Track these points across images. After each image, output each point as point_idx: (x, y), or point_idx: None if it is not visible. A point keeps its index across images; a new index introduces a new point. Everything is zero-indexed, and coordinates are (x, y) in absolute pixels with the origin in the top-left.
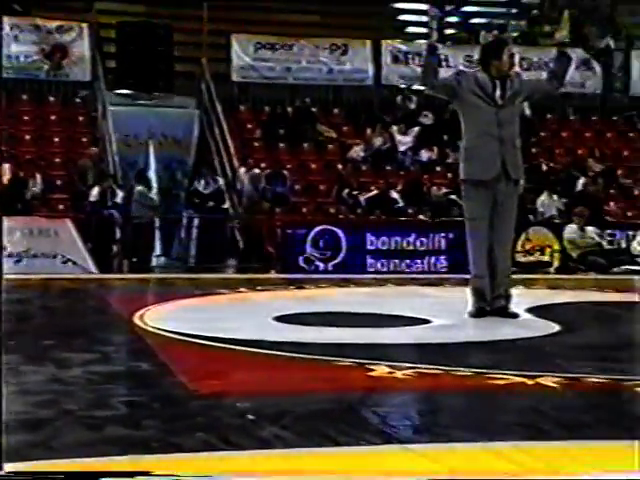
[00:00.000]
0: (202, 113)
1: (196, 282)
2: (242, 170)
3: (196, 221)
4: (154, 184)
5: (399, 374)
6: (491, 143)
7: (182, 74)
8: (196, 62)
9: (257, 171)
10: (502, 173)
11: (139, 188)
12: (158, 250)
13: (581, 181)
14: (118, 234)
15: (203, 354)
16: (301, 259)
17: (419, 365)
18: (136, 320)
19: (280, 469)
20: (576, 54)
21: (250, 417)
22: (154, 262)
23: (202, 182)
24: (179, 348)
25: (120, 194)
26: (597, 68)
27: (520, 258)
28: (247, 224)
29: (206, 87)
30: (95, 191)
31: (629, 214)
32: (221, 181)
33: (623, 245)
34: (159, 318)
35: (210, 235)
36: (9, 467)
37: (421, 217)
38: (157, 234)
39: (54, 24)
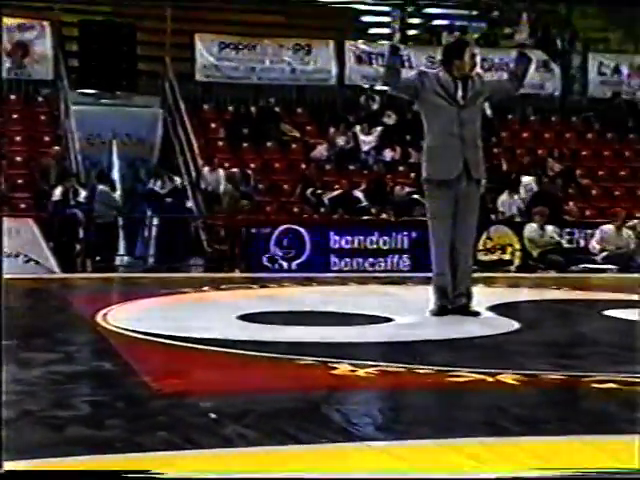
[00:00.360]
0: (166, 112)
1: (160, 281)
2: (206, 169)
3: (156, 220)
4: (117, 183)
5: (361, 372)
6: (453, 143)
7: (146, 73)
8: (160, 61)
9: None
10: (464, 172)
11: (101, 187)
12: (122, 249)
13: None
14: (81, 233)
15: (166, 353)
16: (265, 258)
17: (381, 363)
18: (99, 320)
19: (242, 467)
20: (535, 56)
21: (213, 416)
22: (118, 261)
23: (158, 182)
24: (142, 348)
25: (83, 193)
26: (556, 70)
27: (481, 257)
28: (211, 223)
29: (170, 86)
30: (58, 190)
31: (587, 213)
32: (178, 181)
33: (581, 244)
34: (122, 318)
35: (174, 234)
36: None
37: (384, 216)
38: (121, 233)
39: (15, 22)
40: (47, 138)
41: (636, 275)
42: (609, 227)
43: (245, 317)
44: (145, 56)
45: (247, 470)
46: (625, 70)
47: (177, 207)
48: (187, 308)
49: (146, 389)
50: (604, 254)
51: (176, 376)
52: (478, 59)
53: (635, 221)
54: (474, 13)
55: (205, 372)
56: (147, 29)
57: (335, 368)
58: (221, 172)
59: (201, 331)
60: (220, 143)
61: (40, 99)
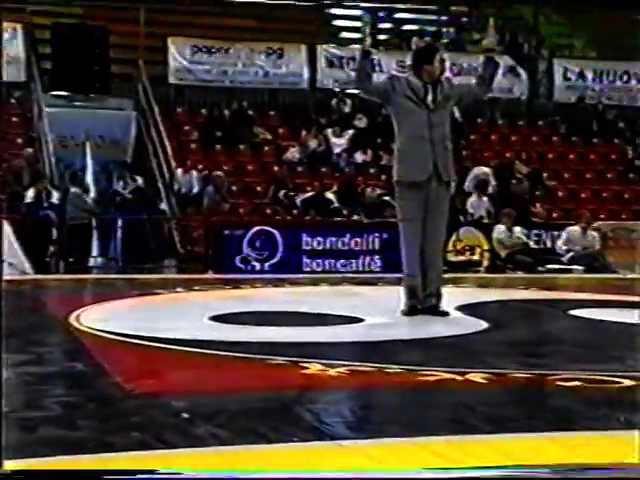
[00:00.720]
0: (139, 115)
1: (133, 283)
2: (179, 171)
3: (120, 222)
4: (91, 185)
5: (332, 372)
6: (423, 145)
7: (119, 76)
8: (133, 64)
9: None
10: (434, 175)
11: (73, 190)
12: (95, 251)
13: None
14: (54, 235)
15: (139, 354)
16: (238, 259)
17: (352, 363)
18: (72, 321)
19: (214, 466)
20: (503, 61)
21: (185, 416)
22: (91, 263)
23: (121, 182)
24: (115, 348)
25: (56, 195)
26: (523, 75)
27: (451, 257)
28: (185, 225)
29: (143, 89)
30: (30, 192)
31: (554, 215)
32: (140, 180)
33: (548, 245)
34: (95, 319)
35: (146, 236)
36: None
37: (355, 218)
38: (94, 235)
39: None
40: (20, 140)
41: (601, 275)
42: (575, 228)
43: (217, 318)
44: (118, 59)
45: (219, 469)
46: (589, 75)
47: (141, 208)
48: (160, 309)
49: (119, 390)
50: (570, 255)
51: (149, 376)
52: (447, 64)
53: (600, 222)
54: (443, 19)
55: (177, 372)
56: (120, 32)
57: (306, 368)
58: (194, 174)
59: (173, 332)
60: (193, 145)
61: (12, 101)
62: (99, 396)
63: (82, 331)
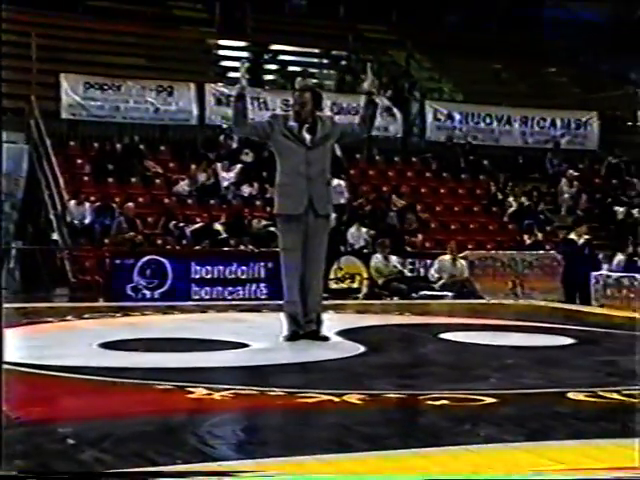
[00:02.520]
0: (32, 148)
1: (23, 311)
2: (72, 203)
3: (14, 252)
4: None
5: (217, 395)
6: (300, 181)
7: (11, 110)
8: (25, 99)
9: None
10: (310, 208)
11: None
12: None
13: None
14: None
15: (27, 382)
16: (129, 287)
17: (236, 387)
18: None
19: None
20: (381, 102)
21: (71, 441)
22: None
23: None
24: (3, 376)
25: None
26: (398, 115)
27: (332, 285)
28: (76, 255)
29: (35, 124)
30: None
31: (427, 245)
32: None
33: (422, 273)
34: None
35: (38, 265)
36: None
37: (242, 247)
38: None
39: None
40: None
41: (469, 301)
42: (445, 257)
43: (106, 345)
44: (10, 94)
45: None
46: (457, 116)
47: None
48: (49, 337)
49: (5, 417)
50: (441, 282)
51: (36, 404)
52: (328, 103)
53: (468, 252)
54: (325, 62)
55: (65, 399)
56: (12, 67)
57: (192, 392)
58: (87, 205)
59: (62, 359)
60: (86, 178)
61: None
62: None
63: None
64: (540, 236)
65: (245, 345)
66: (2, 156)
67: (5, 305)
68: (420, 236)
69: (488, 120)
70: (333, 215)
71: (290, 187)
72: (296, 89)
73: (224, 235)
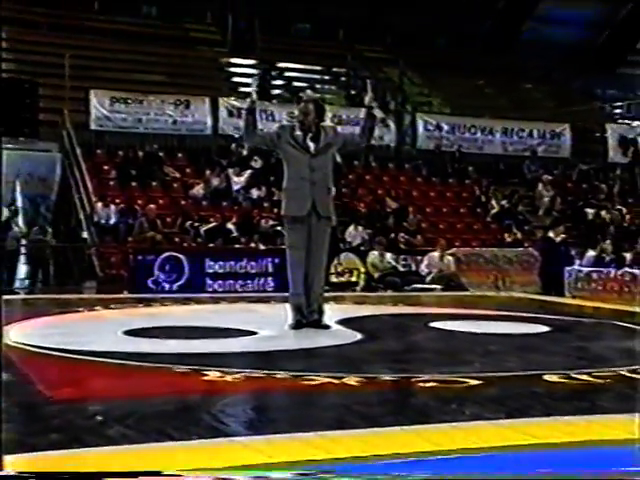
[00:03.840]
0: (64, 156)
1: (56, 302)
2: (99, 205)
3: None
4: (20, 216)
5: (229, 378)
6: (304, 185)
7: (46, 122)
8: (59, 113)
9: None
10: (312, 211)
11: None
12: (22, 274)
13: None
14: None
15: (60, 365)
16: (150, 281)
17: (246, 370)
18: None
19: (123, 463)
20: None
21: (99, 419)
22: (17, 284)
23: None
24: (39, 360)
25: None
26: (392, 126)
27: (333, 279)
28: (103, 251)
29: (67, 134)
30: None
31: (418, 243)
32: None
33: (413, 268)
34: (21, 334)
35: (70, 260)
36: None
37: (252, 245)
38: (22, 259)
39: None
40: None
41: (455, 293)
42: (434, 254)
43: (130, 332)
44: (46, 108)
45: (127, 465)
46: (445, 127)
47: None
48: (80, 325)
49: (41, 397)
50: (431, 276)
51: (68, 385)
52: (329, 114)
53: (455, 249)
54: (326, 78)
55: (94, 381)
56: (48, 85)
57: (206, 375)
58: (112, 207)
59: (91, 345)
60: (111, 183)
61: None
62: (23, 402)
63: (9, 345)
64: (519, 235)
65: (254, 333)
66: (2, 160)
67: (40, 296)
68: (419, 237)
69: (473, 130)
70: (334, 217)
71: (295, 191)
72: (300, 100)
73: (235, 234)
